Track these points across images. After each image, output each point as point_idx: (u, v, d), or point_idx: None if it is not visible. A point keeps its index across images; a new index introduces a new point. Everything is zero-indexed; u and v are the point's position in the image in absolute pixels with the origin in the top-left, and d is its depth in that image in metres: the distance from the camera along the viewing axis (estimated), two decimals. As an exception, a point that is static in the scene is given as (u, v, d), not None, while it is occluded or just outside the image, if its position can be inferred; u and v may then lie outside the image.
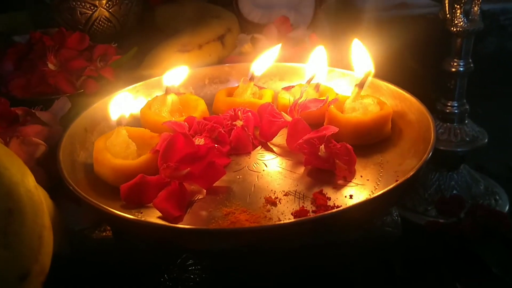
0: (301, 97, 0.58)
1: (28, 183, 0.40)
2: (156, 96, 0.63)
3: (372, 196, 0.46)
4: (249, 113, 0.58)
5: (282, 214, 0.47)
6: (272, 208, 0.48)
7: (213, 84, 0.71)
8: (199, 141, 0.55)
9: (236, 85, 0.66)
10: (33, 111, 0.61)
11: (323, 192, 0.50)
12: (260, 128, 0.59)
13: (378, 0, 0.96)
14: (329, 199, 0.49)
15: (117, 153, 0.53)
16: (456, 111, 0.65)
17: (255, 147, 0.58)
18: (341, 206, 0.47)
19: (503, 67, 0.95)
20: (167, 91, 0.61)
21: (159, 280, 0.48)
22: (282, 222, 0.46)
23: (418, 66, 0.93)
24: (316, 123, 0.57)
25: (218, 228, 0.45)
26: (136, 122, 0.61)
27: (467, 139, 0.65)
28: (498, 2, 0.93)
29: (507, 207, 0.66)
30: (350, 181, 0.51)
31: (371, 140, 0.56)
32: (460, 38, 0.62)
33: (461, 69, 0.63)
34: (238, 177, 0.53)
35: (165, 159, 0.50)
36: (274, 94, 0.65)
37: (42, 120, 0.60)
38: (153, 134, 0.56)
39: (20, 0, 0.91)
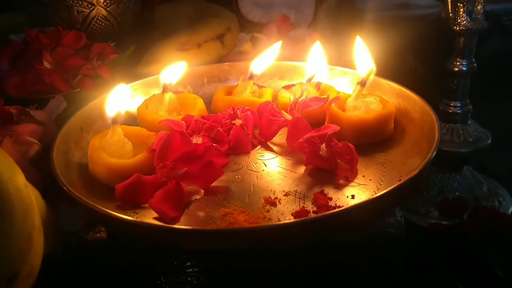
0: (301, 95, 0.57)
1: (17, 181, 0.39)
2: (154, 94, 0.62)
3: (375, 196, 0.45)
4: (249, 112, 0.58)
5: (282, 214, 0.46)
6: (271, 209, 0.47)
7: (212, 83, 0.70)
8: (197, 140, 0.54)
9: (236, 84, 0.66)
10: (27, 110, 0.60)
11: (324, 192, 0.49)
12: (259, 127, 0.58)
13: (379, 0, 0.96)
14: (330, 199, 0.48)
15: (113, 152, 0.52)
16: (459, 111, 0.65)
17: (254, 146, 0.57)
18: (342, 206, 0.46)
19: (506, 68, 0.94)
20: (165, 89, 0.60)
21: (155, 283, 0.48)
22: (281, 222, 0.45)
23: (420, 66, 0.93)
24: (317, 122, 0.56)
25: (215, 229, 0.44)
26: (133, 120, 0.60)
27: (470, 139, 0.65)
28: (500, 2, 0.92)
29: (511, 209, 0.65)
30: (352, 181, 0.51)
31: (373, 139, 0.55)
32: (463, 37, 0.62)
33: (464, 68, 0.63)
34: (237, 177, 0.52)
35: (162, 158, 0.49)
36: (274, 93, 0.64)
37: (37, 119, 0.59)
38: (149, 133, 0.55)
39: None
